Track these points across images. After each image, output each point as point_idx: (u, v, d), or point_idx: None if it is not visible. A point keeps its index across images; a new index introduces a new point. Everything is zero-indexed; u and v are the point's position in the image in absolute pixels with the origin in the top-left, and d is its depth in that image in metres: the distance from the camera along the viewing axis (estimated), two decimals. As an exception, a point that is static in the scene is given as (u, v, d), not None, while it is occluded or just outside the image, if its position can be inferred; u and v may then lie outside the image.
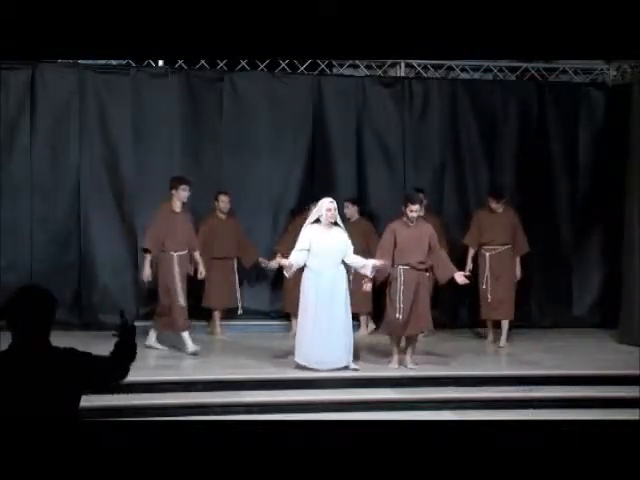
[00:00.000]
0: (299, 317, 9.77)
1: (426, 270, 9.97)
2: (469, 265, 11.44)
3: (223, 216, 11.94)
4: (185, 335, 10.57)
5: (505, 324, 11.58)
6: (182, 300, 10.51)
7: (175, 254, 10.58)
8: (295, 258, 9.66)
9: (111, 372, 4.60)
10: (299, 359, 9.70)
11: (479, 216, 11.78)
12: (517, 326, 12.36)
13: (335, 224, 9.70)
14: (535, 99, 13.14)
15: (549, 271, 13.14)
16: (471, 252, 11.69)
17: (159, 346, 10.79)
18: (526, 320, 12.87)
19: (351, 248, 9.79)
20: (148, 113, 12.35)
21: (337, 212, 9.74)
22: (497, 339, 11.60)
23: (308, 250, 9.64)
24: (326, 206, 9.64)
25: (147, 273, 10.67)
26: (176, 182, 10.68)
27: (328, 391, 9.35)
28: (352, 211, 12.23)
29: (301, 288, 9.75)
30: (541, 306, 13.18)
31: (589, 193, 13.21)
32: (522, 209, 12.73)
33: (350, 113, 12.86)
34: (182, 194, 10.60)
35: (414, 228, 9.87)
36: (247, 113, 12.57)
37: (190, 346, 10.52)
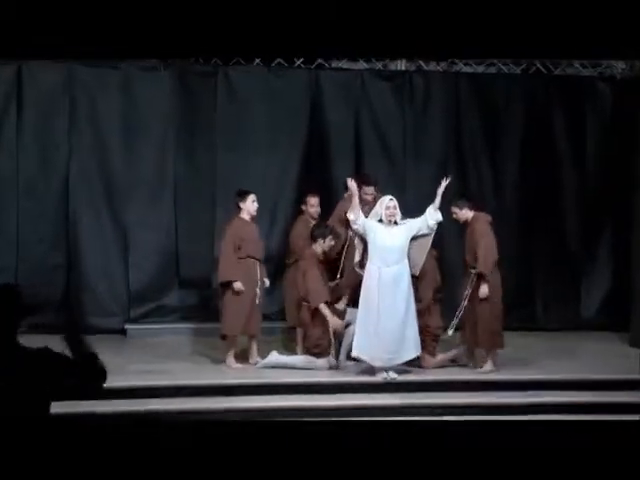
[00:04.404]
0: (360, 310, 9.86)
1: None
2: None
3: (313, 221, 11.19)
4: None
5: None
6: None
7: None
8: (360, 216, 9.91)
9: (85, 376, 4.57)
10: (360, 353, 9.78)
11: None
12: (521, 328, 12.36)
13: (396, 223, 9.87)
14: (541, 93, 13.11)
15: (555, 270, 13.10)
16: None
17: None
18: (531, 322, 12.91)
19: (415, 223, 9.98)
20: (139, 108, 12.35)
21: (398, 210, 9.89)
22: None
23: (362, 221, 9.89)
24: (386, 204, 9.84)
25: None
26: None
27: (323, 396, 9.42)
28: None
29: (363, 282, 9.87)
30: (546, 307, 13.14)
31: (597, 189, 13.17)
32: (527, 206, 13.02)
33: (349, 108, 12.84)
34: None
35: None
36: (242, 108, 12.54)
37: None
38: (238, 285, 10.22)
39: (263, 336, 10.80)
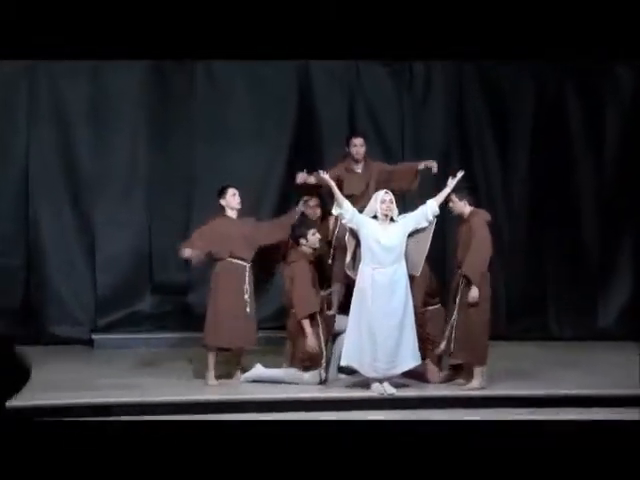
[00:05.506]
0: (351, 315, 9.66)
1: None
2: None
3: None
4: None
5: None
6: None
7: None
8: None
9: None
10: (349, 361, 9.59)
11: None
12: (533, 338, 12.28)
13: (392, 220, 9.69)
14: (553, 78, 12.92)
15: (568, 275, 12.93)
16: None
17: None
18: (543, 332, 12.75)
19: (412, 218, 9.72)
20: (109, 96, 12.23)
21: (394, 205, 9.66)
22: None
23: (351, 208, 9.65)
24: (381, 198, 9.64)
25: None
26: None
27: (311, 414, 9.16)
28: None
29: (356, 285, 9.68)
30: (559, 316, 12.93)
31: (615, 185, 12.95)
32: (538, 202, 12.86)
33: (342, 96, 12.72)
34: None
35: None
36: (223, 97, 12.43)
37: None
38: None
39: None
